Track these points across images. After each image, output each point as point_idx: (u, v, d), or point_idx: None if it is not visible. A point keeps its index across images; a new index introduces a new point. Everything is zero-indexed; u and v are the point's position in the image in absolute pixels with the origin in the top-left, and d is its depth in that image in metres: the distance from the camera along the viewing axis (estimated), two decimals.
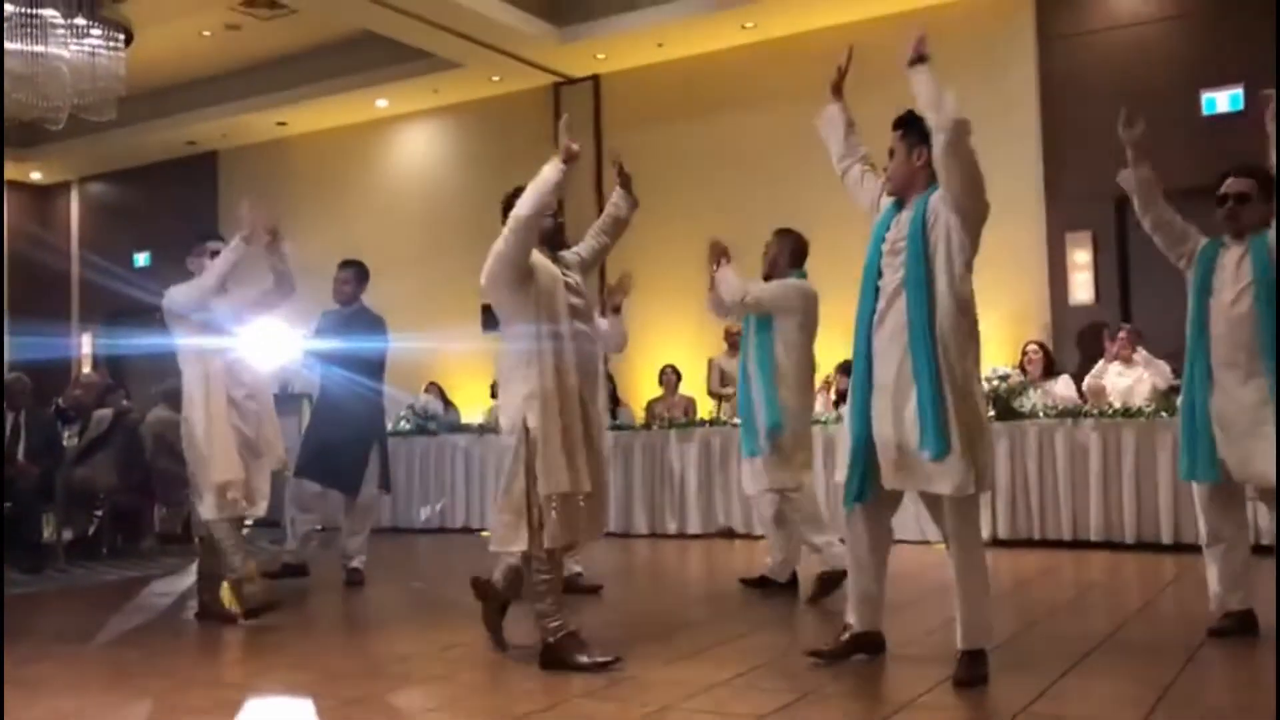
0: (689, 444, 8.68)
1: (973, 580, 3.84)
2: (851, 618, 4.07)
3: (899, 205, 4.14)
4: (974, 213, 3.90)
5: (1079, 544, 7.15)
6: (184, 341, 5.56)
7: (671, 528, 8.68)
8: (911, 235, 3.91)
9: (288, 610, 5.87)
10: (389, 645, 4.88)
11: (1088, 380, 8.07)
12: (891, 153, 4.28)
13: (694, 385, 10.47)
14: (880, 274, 4.03)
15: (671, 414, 9.48)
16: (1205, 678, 3.83)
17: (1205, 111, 9.37)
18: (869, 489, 3.88)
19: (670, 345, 10.97)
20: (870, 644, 4.09)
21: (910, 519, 7.42)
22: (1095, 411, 7.32)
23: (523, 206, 4.31)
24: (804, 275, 5.78)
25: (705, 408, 9.99)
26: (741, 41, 11.07)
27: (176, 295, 5.60)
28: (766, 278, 5.78)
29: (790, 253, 5.80)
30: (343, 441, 6.73)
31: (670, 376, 10.29)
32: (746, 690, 3.77)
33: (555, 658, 4.09)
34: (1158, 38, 9.62)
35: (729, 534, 8.37)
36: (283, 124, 13.62)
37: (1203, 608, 4.66)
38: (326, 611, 5.82)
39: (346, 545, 6.73)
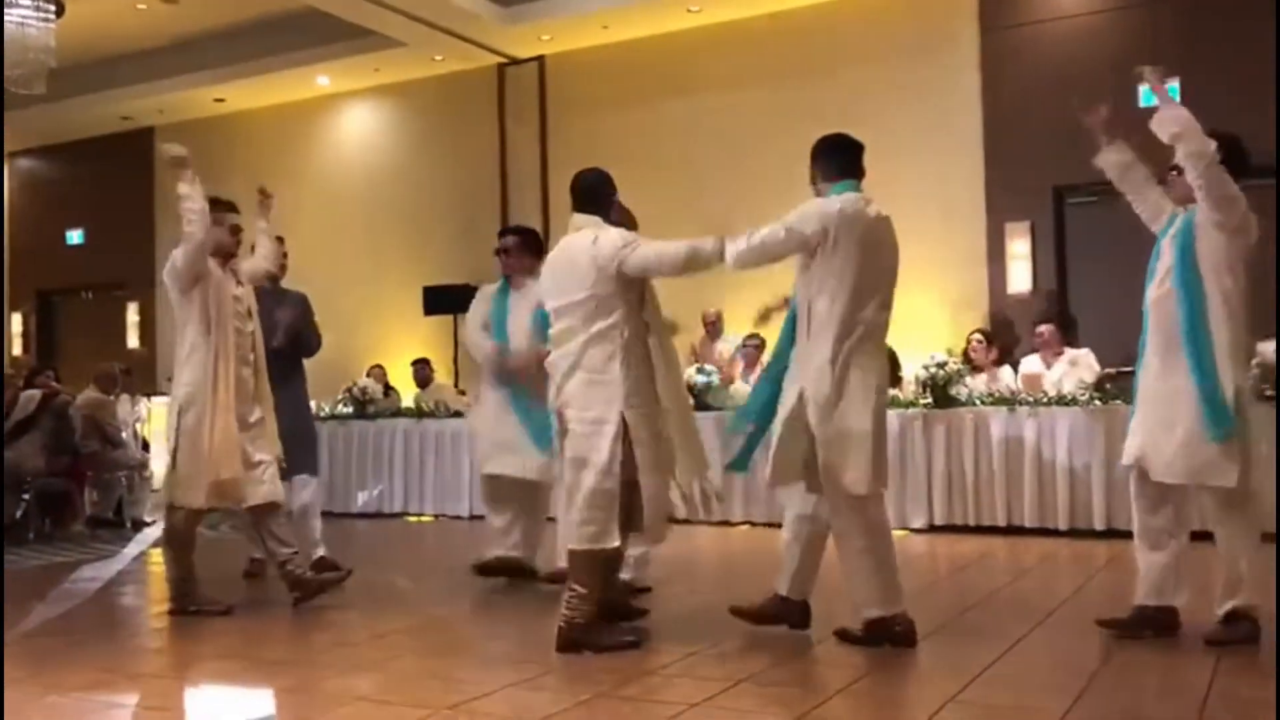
0: None
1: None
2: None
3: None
4: None
5: (1013, 530, 7.24)
6: (183, 314, 5.10)
7: None
8: None
9: (215, 595, 5.79)
10: (324, 632, 4.82)
11: (1022, 370, 8.18)
12: (1178, 169, 4.25)
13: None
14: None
15: None
16: (1131, 664, 3.88)
17: (1142, 103, 9.47)
18: None
19: None
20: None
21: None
22: (1030, 400, 7.41)
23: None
24: None
25: None
26: (687, 25, 11.04)
27: (175, 257, 5.13)
28: None
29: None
30: (304, 420, 6.34)
31: None
32: (679, 678, 3.77)
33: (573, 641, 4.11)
34: (1097, 30, 9.73)
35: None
36: (221, 100, 13.38)
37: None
38: (259, 600, 5.73)
39: (314, 533, 6.28)
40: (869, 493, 4.05)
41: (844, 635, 4.19)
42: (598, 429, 4.14)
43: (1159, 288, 4.16)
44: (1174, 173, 4.21)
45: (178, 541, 5.08)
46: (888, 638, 4.06)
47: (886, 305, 4.19)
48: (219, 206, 5.35)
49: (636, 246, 4.25)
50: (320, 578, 5.34)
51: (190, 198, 5.03)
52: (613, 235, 4.30)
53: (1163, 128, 4.16)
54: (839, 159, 4.44)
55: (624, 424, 4.13)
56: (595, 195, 4.50)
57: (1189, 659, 3.89)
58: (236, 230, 5.37)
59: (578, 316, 4.26)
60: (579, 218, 4.44)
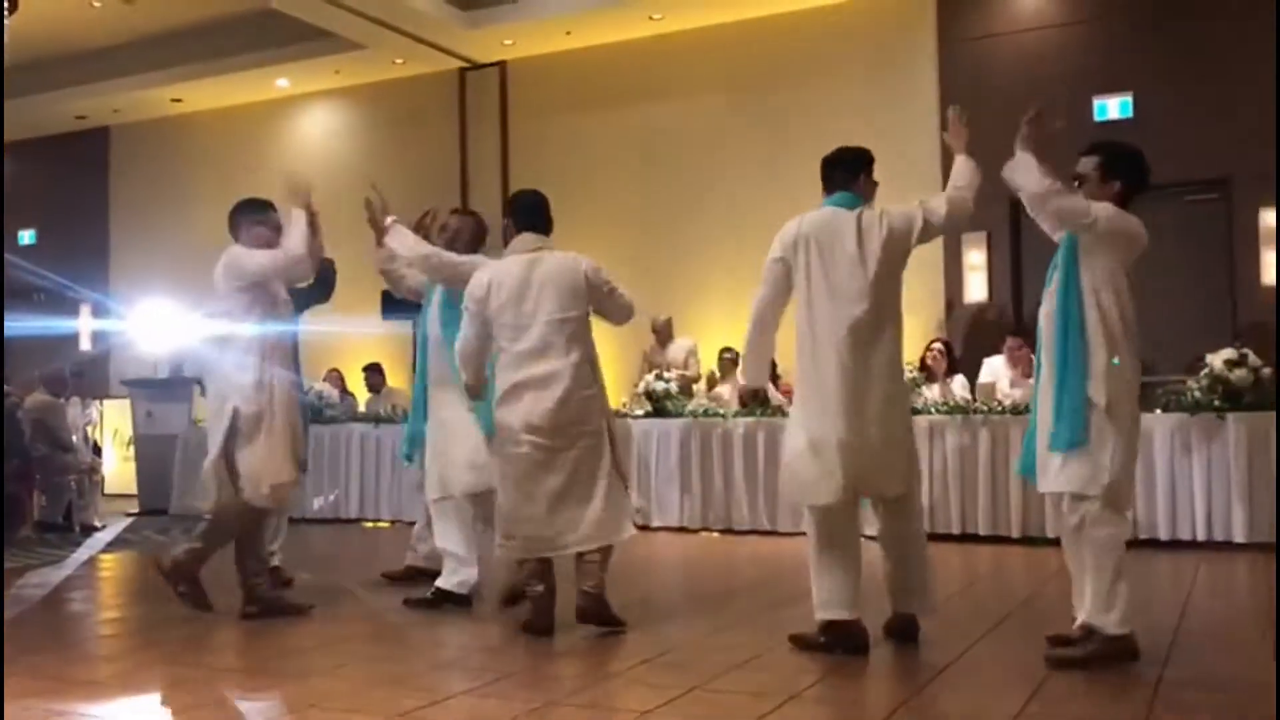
0: None
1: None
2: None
3: None
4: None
5: (967, 537, 7.30)
6: (232, 315, 4.94)
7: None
8: None
9: (166, 603, 5.72)
10: (276, 639, 4.77)
11: (981, 378, 8.25)
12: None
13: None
14: None
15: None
16: (1080, 672, 3.92)
17: (1097, 117, 9.64)
18: None
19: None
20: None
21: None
22: (985, 409, 7.49)
23: None
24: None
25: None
26: (649, 33, 11.08)
27: (251, 259, 4.94)
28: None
29: (472, 235, 5.46)
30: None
31: None
32: (632, 685, 3.77)
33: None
34: (1054, 44, 9.87)
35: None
36: (178, 101, 13.26)
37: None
38: (217, 604, 5.65)
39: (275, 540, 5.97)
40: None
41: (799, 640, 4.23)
42: (599, 440, 4.54)
43: (1047, 303, 4.10)
44: (1075, 183, 4.18)
45: (226, 539, 5.01)
46: (841, 642, 4.09)
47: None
48: (260, 207, 5.27)
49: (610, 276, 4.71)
50: (281, 603, 5.20)
51: (298, 224, 4.97)
52: (589, 259, 4.69)
53: (1010, 178, 4.20)
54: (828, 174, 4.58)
55: (609, 431, 4.58)
56: (548, 215, 4.79)
57: (1137, 667, 3.93)
58: (279, 229, 5.19)
59: (566, 333, 4.52)
60: (537, 237, 4.68)
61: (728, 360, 9.64)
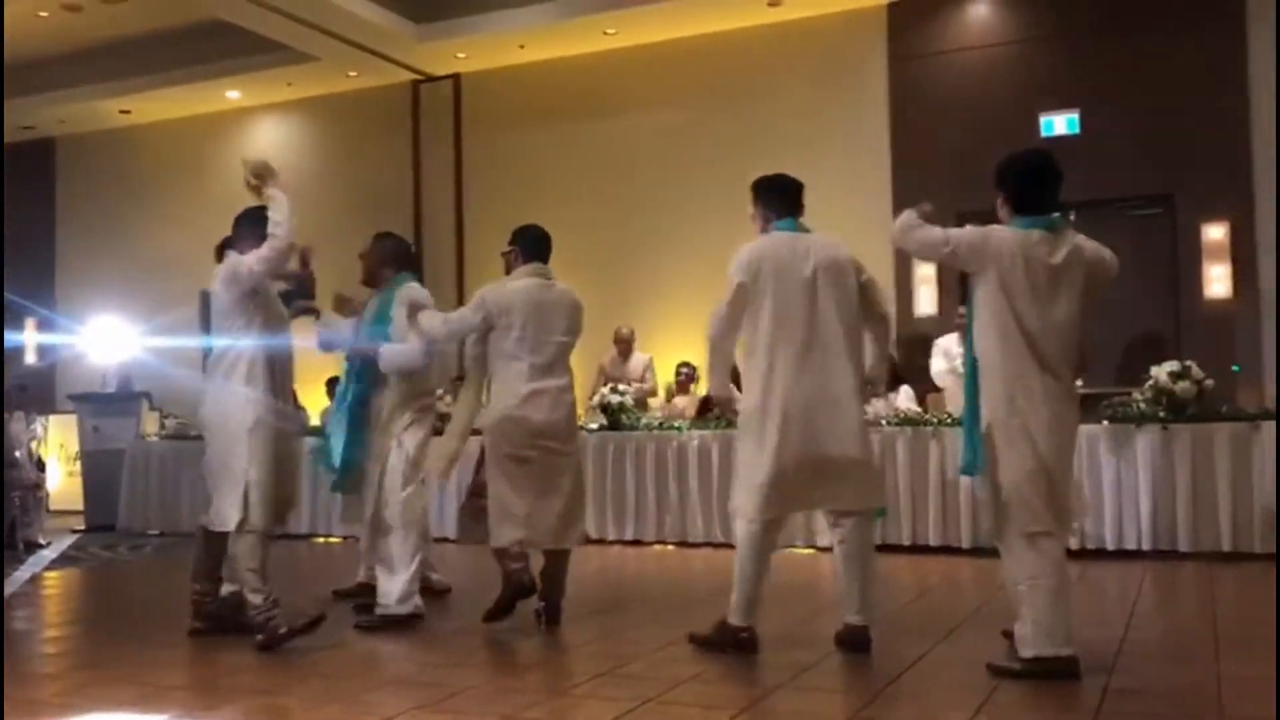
0: None
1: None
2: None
3: None
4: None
5: (918, 549, 7.36)
6: (230, 324, 4.80)
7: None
8: None
9: (111, 621, 5.65)
10: (223, 657, 4.71)
11: (934, 363, 8.35)
12: None
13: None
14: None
15: None
16: (1030, 680, 3.97)
17: (1044, 133, 9.79)
18: None
19: None
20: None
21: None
22: (935, 420, 7.56)
23: None
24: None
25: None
26: (603, 47, 11.11)
27: (247, 261, 4.75)
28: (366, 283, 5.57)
29: (396, 256, 5.57)
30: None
31: None
32: (586, 699, 3.77)
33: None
34: (1002, 61, 10.02)
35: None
36: (127, 112, 13.11)
37: None
38: (158, 623, 5.58)
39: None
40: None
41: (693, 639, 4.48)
42: (579, 451, 5.23)
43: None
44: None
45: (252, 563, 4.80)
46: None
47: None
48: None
49: None
50: (238, 619, 5.09)
51: (281, 205, 4.77)
52: None
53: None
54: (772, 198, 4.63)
55: None
56: (550, 247, 5.25)
57: (1084, 676, 3.99)
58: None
59: (566, 354, 5.10)
60: (544, 266, 5.17)
61: (684, 375, 9.69)
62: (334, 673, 4.33)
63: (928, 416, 7.68)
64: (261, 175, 4.86)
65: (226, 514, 4.72)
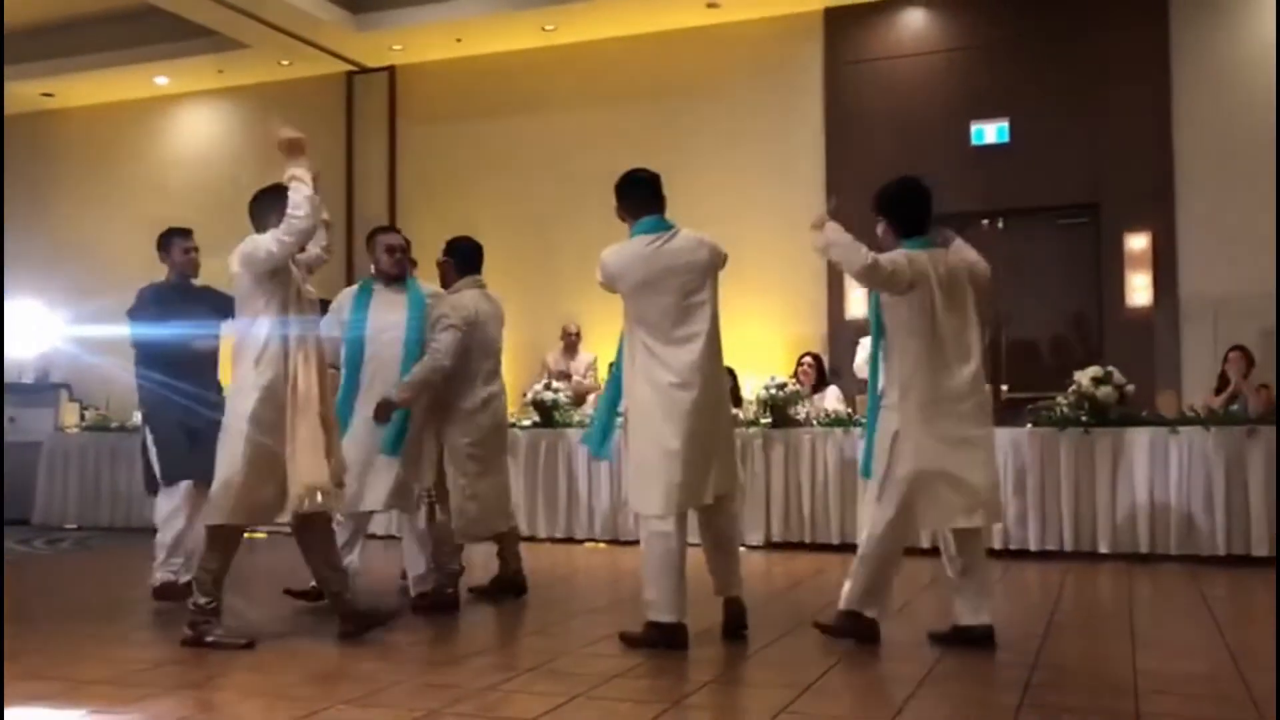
0: None
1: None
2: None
3: None
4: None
5: (847, 548, 7.42)
6: (253, 306, 4.58)
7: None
8: None
9: (28, 615, 5.51)
10: (147, 651, 4.62)
11: (857, 361, 8.42)
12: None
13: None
14: None
15: None
16: (952, 676, 4.04)
17: (974, 141, 9.95)
18: None
19: None
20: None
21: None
22: (862, 421, 7.63)
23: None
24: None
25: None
26: (541, 43, 11.07)
27: (264, 240, 4.58)
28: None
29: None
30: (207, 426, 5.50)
31: None
32: (516, 694, 3.75)
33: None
34: (935, 69, 10.16)
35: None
36: (49, 95, 12.78)
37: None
38: (77, 617, 5.45)
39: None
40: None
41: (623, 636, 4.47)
42: None
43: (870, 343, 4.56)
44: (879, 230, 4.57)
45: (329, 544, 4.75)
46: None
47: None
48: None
49: None
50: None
51: (305, 183, 4.63)
52: None
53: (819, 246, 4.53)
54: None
55: None
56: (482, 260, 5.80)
57: (1006, 671, 4.07)
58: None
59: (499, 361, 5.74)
60: (480, 277, 5.69)
61: None
62: (261, 666, 4.25)
63: (857, 417, 7.76)
64: (292, 151, 4.77)
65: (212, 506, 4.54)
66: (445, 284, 5.73)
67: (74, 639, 4.77)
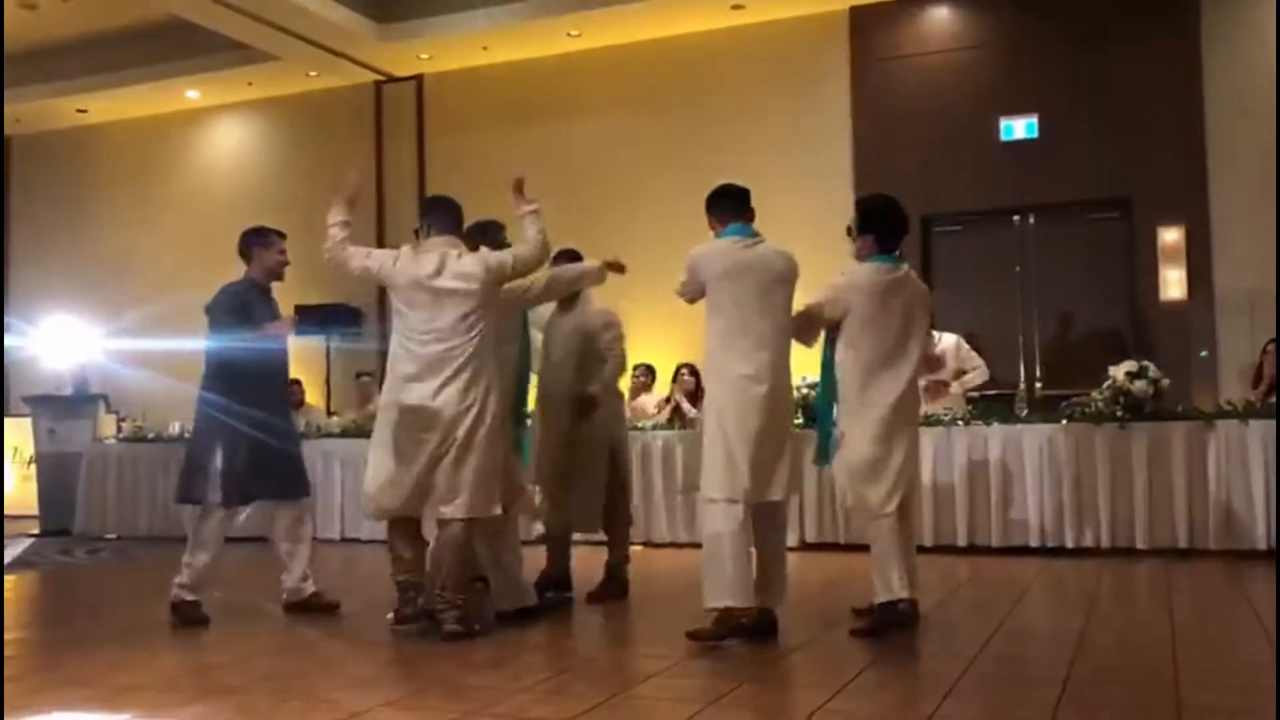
0: None
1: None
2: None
3: None
4: None
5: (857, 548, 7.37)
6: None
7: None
8: None
9: (69, 623, 5.58)
10: (187, 657, 4.67)
11: None
12: (850, 232, 4.95)
13: None
14: None
15: None
16: (989, 674, 4.02)
17: (1003, 137, 9.90)
18: None
19: None
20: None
21: None
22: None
23: None
24: None
25: None
26: (567, 49, 11.11)
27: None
28: None
29: None
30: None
31: None
32: (552, 695, 3.76)
33: None
34: (962, 65, 10.12)
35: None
36: (84, 111, 12.95)
37: (994, 607, 4.94)
38: (117, 625, 5.52)
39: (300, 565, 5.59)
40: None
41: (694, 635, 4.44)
42: None
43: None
44: (848, 234, 4.91)
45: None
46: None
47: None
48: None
49: None
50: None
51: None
52: None
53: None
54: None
55: None
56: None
57: (1044, 668, 4.04)
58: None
59: None
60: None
61: (639, 379, 9.67)
62: (296, 672, 4.30)
63: None
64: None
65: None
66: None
67: (115, 646, 4.83)
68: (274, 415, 5.39)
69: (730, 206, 4.80)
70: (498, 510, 4.80)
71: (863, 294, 4.70)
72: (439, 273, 4.79)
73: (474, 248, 4.95)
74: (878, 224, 4.83)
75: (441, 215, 5.04)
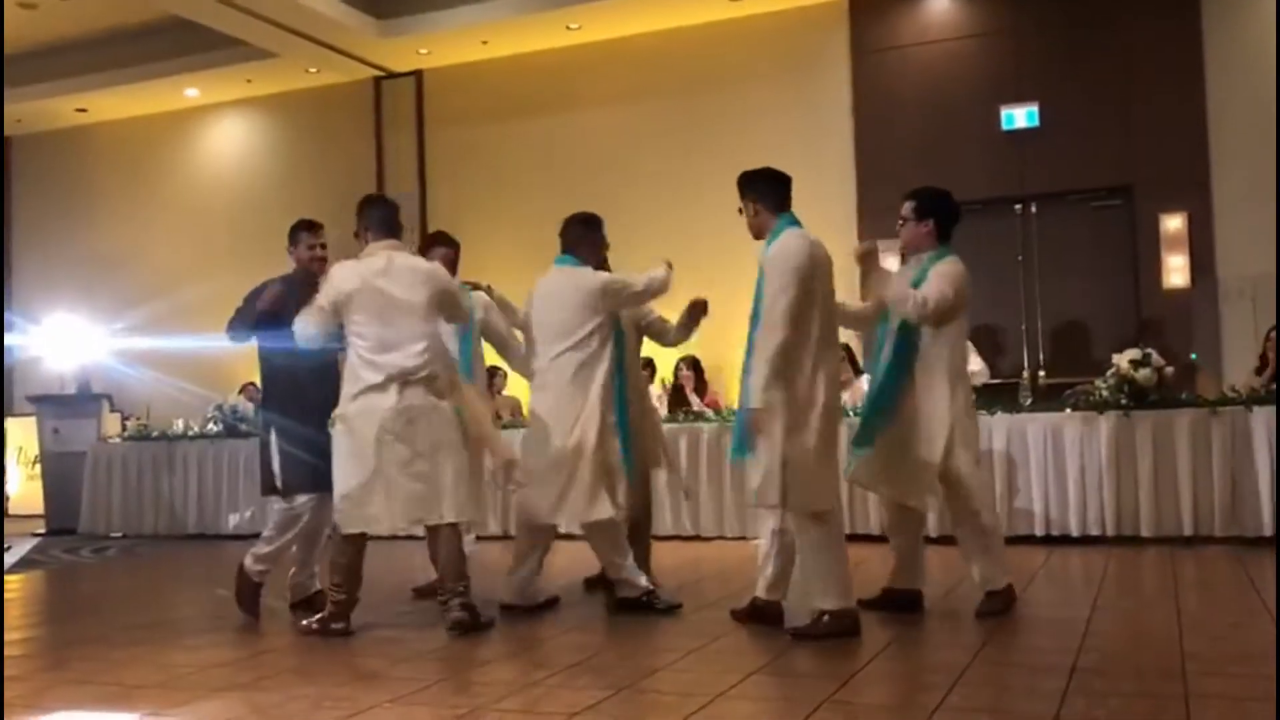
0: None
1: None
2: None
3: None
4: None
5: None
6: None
7: (495, 529, 8.62)
8: None
9: (76, 622, 5.59)
10: (195, 655, 4.67)
11: None
12: (904, 220, 4.94)
13: (518, 386, 10.40)
14: None
15: (499, 415, 9.39)
16: (998, 662, 4.02)
17: (1004, 126, 9.87)
18: None
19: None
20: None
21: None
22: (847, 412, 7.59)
23: None
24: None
25: None
26: (566, 43, 11.09)
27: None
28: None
29: None
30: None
31: (498, 379, 10.20)
32: (559, 689, 3.77)
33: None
34: (963, 54, 10.10)
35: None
36: (83, 110, 12.94)
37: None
38: (124, 624, 5.53)
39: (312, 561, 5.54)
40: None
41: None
42: None
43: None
44: (900, 223, 4.95)
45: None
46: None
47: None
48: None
49: None
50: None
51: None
52: None
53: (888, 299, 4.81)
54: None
55: None
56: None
57: (1051, 656, 4.04)
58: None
59: None
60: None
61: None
62: (302, 669, 4.30)
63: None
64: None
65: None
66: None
67: (122, 644, 4.83)
68: (310, 410, 5.22)
69: (784, 194, 4.64)
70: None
71: (968, 283, 4.80)
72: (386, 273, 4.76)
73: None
74: (941, 212, 4.85)
75: (380, 218, 4.97)
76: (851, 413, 7.69)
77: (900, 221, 4.94)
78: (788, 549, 4.53)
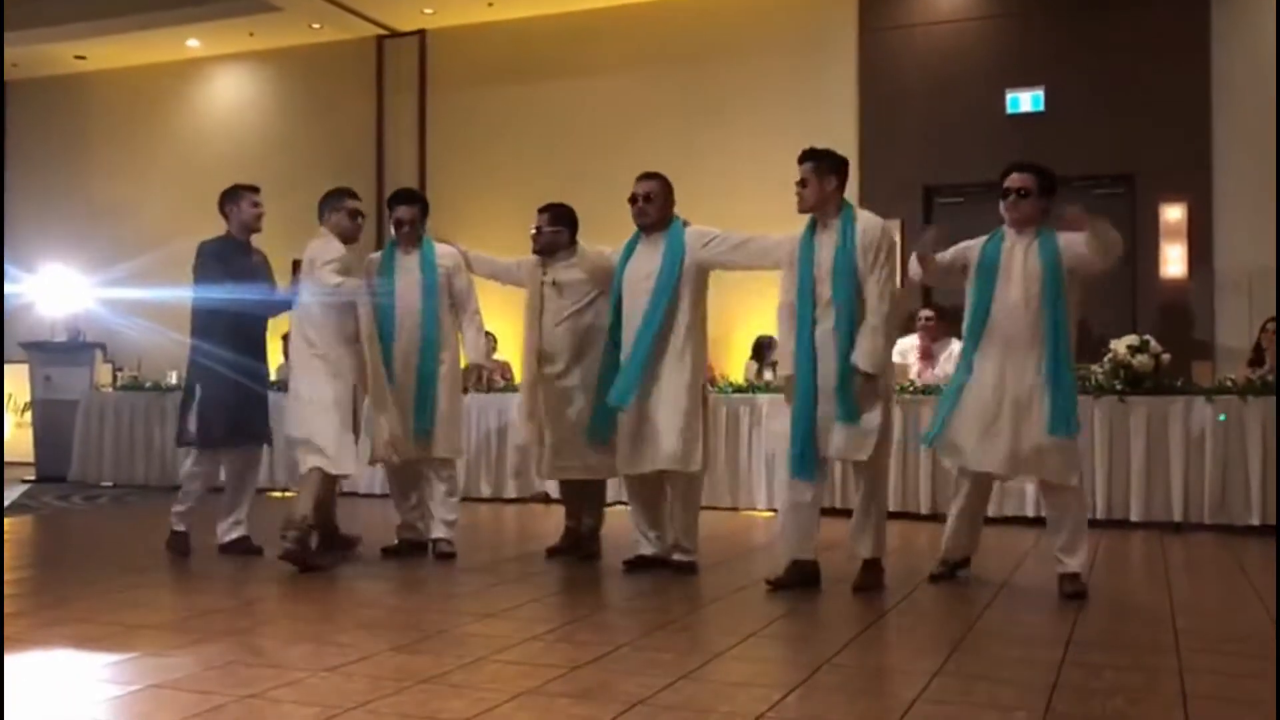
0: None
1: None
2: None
3: (814, 226, 4.88)
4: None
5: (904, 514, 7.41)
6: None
7: (486, 492, 8.65)
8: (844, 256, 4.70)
9: (73, 564, 5.59)
10: (193, 599, 4.69)
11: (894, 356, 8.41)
12: (804, 182, 4.96)
13: (510, 350, 10.40)
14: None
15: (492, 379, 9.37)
16: (996, 632, 4.06)
17: (1009, 110, 9.87)
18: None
19: (490, 311, 10.87)
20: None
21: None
22: (898, 388, 7.63)
23: None
24: None
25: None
26: (573, 8, 11.04)
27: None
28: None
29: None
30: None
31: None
32: (561, 643, 3.79)
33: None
34: (969, 36, 10.08)
35: (544, 499, 8.35)
36: (82, 58, 12.82)
37: (993, 570, 5.00)
38: (122, 567, 5.53)
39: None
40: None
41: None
42: None
43: (1021, 295, 4.77)
44: (1012, 197, 4.87)
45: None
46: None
47: None
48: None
49: None
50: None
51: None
52: None
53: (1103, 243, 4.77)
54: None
55: None
56: None
57: (1047, 629, 4.09)
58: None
59: None
60: None
61: None
62: (305, 616, 4.32)
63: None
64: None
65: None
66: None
67: (121, 588, 4.84)
68: (251, 361, 5.69)
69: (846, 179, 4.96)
70: None
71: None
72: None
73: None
74: (1052, 190, 4.99)
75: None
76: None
77: (1020, 193, 4.86)
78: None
